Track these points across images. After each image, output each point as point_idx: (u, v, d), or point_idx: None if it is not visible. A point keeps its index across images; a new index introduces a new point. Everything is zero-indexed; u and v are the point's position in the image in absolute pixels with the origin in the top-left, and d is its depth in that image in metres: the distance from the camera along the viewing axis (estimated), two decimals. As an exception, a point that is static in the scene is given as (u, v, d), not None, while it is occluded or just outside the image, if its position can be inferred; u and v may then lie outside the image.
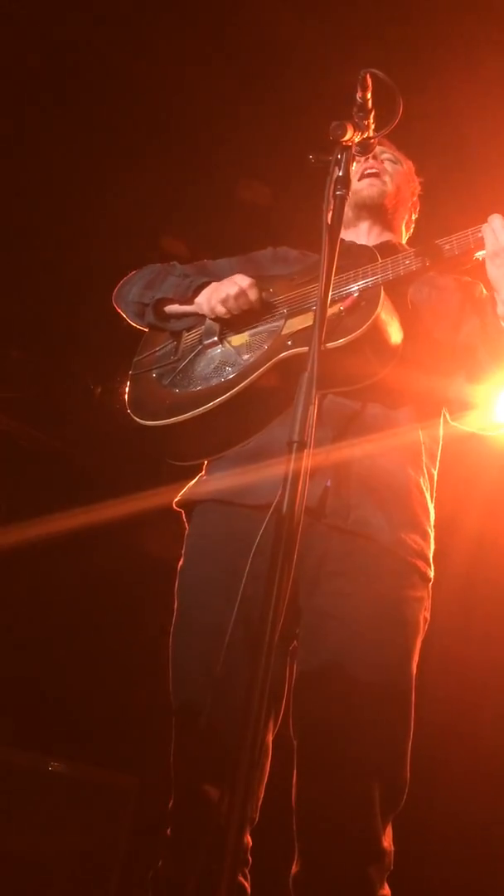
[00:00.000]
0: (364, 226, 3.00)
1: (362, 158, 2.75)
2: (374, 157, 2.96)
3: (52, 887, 4.45)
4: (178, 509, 2.83)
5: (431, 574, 2.67)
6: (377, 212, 2.99)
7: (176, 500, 2.83)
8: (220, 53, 4.39)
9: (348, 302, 2.61)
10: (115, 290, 3.09)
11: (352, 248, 2.86)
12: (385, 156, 3.02)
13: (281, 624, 1.88)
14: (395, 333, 2.64)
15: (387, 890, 2.43)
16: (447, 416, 2.85)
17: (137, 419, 2.83)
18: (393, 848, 2.45)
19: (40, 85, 4.49)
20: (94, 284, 4.67)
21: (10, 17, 4.23)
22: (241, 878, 2.46)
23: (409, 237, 3.14)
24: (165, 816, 2.54)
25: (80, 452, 5.88)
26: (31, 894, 4.42)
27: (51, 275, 5.25)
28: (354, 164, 2.75)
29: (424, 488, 2.73)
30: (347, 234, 2.99)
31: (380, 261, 2.68)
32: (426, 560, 2.66)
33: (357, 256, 2.72)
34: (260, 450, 2.66)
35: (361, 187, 2.95)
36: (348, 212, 2.96)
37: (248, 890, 2.48)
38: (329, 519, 2.56)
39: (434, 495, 2.79)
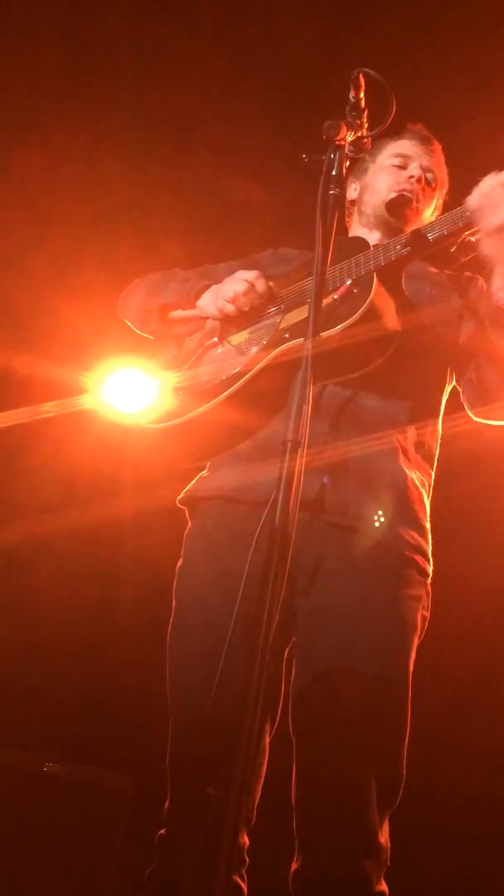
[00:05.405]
0: (375, 234, 2.97)
1: (397, 162, 2.91)
2: (419, 181, 2.92)
3: (47, 888, 4.43)
4: (182, 506, 2.83)
5: (430, 569, 2.67)
6: (392, 229, 2.94)
7: (179, 497, 2.83)
8: (217, 51, 4.39)
9: (341, 290, 2.61)
10: (120, 300, 3.12)
11: (346, 241, 2.84)
12: (429, 175, 2.96)
13: (275, 624, 1.88)
14: (390, 320, 2.62)
15: (383, 885, 2.44)
16: (469, 411, 2.81)
17: (143, 423, 2.85)
18: (389, 844, 2.47)
19: (36, 74, 4.47)
20: (92, 283, 4.68)
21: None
22: (238, 879, 2.47)
23: None
24: (161, 817, 2.54)
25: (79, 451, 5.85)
26: (25, 895, 4.40)
27: (47, 274, 5.24)
28: (386, 171, 2.91)
29: (420, 484, 2.73)
30: (354, 234, 3.00)
31: (371, 249, 2.69)
32: (424, 555, 2.66)
33: (350, 248, 2.72)
34: (262, 445, 2.66)
35: (392, 203, 2.91)
36: (366, 211, 2.98)
37: (245, 890, 2.48)
38: (327, 516, 2.57)
39: (431, 492, 2.78)
